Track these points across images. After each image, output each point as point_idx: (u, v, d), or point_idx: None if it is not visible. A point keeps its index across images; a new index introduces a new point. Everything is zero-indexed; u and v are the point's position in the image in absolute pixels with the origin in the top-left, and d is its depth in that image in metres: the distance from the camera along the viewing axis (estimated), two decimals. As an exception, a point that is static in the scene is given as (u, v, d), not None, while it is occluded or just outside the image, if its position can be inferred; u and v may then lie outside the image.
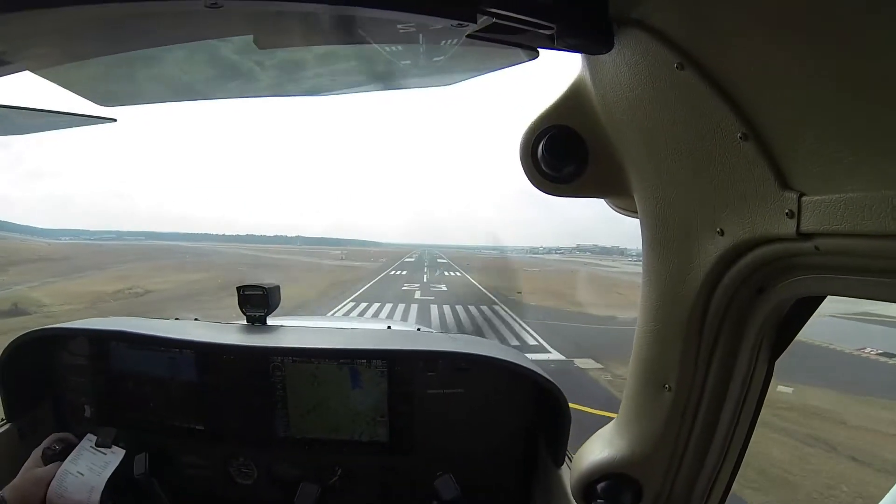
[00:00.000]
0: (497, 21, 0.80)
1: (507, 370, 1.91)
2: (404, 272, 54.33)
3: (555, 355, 14.52)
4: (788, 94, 0.71)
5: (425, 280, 45.34)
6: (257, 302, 2.23)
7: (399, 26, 0.83)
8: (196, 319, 2.53)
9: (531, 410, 2.02)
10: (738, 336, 0.96)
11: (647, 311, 1.02)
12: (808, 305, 0.95)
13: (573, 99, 1.03)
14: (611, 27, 0.86)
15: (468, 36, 0.85)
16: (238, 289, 2.25)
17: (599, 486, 1.19)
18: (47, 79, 1.05)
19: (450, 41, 0.89)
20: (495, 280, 39.80)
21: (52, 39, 0.91)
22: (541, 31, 0.83)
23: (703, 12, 0.76)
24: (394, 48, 0.94)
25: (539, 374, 1.88)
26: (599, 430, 1.25)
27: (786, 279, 0.86)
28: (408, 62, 0.99)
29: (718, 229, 0.86)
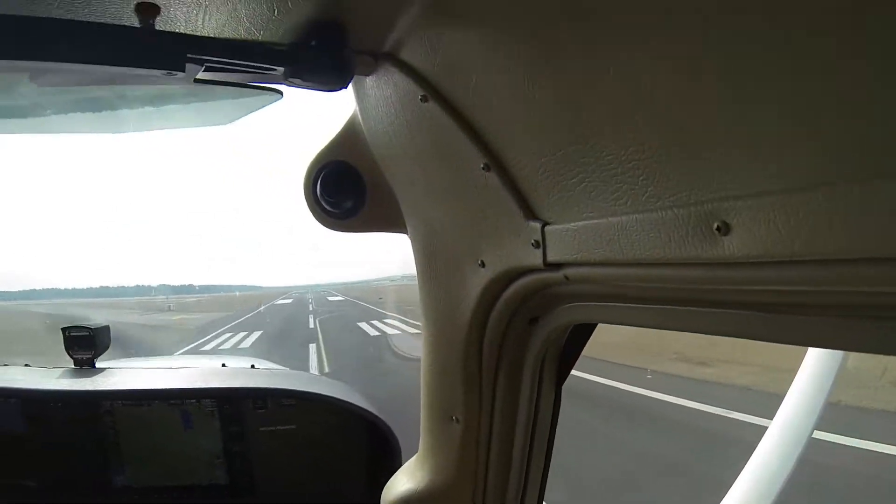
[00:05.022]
0: (210, 66, 0.77)
1: (333, 406, 1.92)
2: (254, 338, 19.76)
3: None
4: (526, 127, 0.73)
5: (316, 358, 13.90)
6: (85, 344, 2.06)
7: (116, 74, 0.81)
8: (27, 365, 2.25)
9: (367, 446, 2.02)
10: (517, 366, 0.96)
11: (428, 344, 1.01)
12: (582, 332, 0.96)
13: (349, 133, 1.02)
14: (349, 64, 0.82)
15: (195, 80, 0.82)
16: (63, 330, 2.06)
17: None
18: None
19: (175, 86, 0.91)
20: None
21: None
22: (267, 72, 0.81)
23: (445, 47, 0.76)
24: (129, 92, 0.95)
25: (367, 412, 1.87)
26: (406, 462, 1.23)
27: (553, 308, 0.86)
28: (141, 106, 1.00)
29: (480, 261, 0.85)
